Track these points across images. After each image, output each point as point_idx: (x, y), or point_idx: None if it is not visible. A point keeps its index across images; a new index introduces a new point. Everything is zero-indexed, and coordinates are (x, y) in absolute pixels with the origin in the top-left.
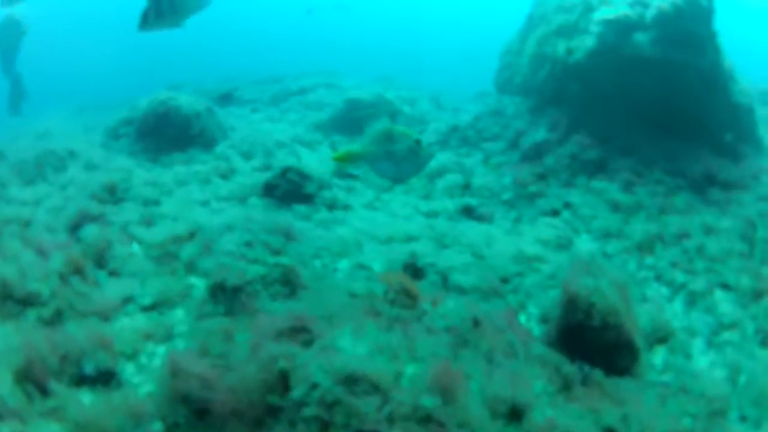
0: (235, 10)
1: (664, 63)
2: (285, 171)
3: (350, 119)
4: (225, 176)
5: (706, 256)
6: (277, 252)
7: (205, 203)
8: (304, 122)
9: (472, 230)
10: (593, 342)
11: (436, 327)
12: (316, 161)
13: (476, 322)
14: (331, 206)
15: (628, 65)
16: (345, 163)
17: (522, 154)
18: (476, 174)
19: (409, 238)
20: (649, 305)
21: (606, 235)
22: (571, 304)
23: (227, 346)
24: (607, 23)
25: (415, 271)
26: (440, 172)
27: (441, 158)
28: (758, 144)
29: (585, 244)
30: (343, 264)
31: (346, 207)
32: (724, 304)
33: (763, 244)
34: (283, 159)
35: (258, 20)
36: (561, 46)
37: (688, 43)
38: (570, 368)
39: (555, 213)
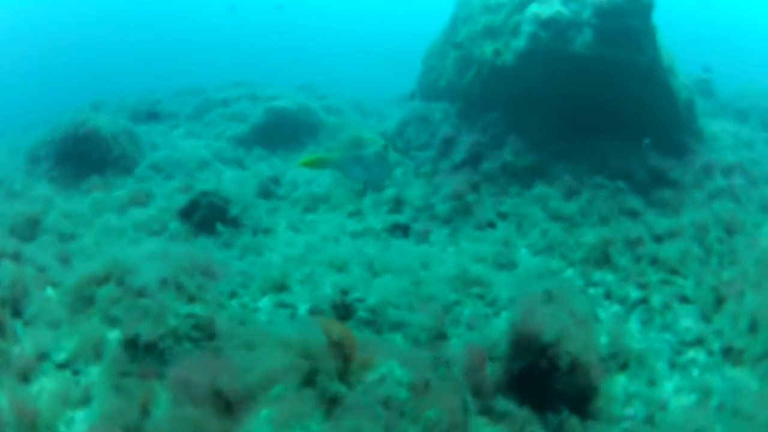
0: (158, 17)
1: (600, 61)
2: (204, 195)
3: (273, 131)
4: (144, 201)
5: (660, 265)
6: (192, 298)
7: (123, 233)
8: (227, 136)
9: (405, 251)
10: (557, 387)
11: (375, 396)
12: (239, 179)
13: (425, 384)
14: (254, 230)
15: (562, 65)
16: (312, 168)
17: (453, 163)
18: (408, 186)
19: (337, 266)
20: (605, 326)
21: (548, 248)
22: (529, 347)
23: (144, 416)
24: (540, 22)
25: (345, 309)
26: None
27: None
28: (700, 137)
29: (527, 261)
30: (265, 302)
31: (270, 230)
32: (685, 318)
33: (718, 246)
34: (205, 179)
35: (180, 27)
36: (488, 48)
37: (626, 39)
38: (536, 428)
39: (492, 225)
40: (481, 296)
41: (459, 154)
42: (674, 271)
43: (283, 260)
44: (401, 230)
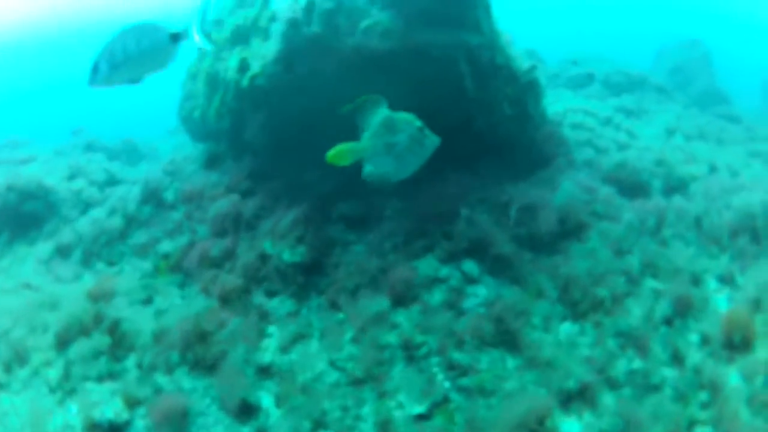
0: None
1: (411, 54)
2: None
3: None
4: None
5: None
6: None
7: None
8: None
9: None
10: None
11: None
12: None
13: None
14: None
15: (348, 71)
16: (340, 163)
17: (198, 254)
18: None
19: None
20: None
21: None
22: None
23: None
24: (301, 7)
25: None
26: (82, 329)
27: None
28: (555, 130)
29: None
30: None
31: None
32: None
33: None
34: None
35: None
36: (234, 60)
37: (449, 16)
38: None
39: (246, 412)
40: None
41: (201, 237)
42: None
43: None
44: None
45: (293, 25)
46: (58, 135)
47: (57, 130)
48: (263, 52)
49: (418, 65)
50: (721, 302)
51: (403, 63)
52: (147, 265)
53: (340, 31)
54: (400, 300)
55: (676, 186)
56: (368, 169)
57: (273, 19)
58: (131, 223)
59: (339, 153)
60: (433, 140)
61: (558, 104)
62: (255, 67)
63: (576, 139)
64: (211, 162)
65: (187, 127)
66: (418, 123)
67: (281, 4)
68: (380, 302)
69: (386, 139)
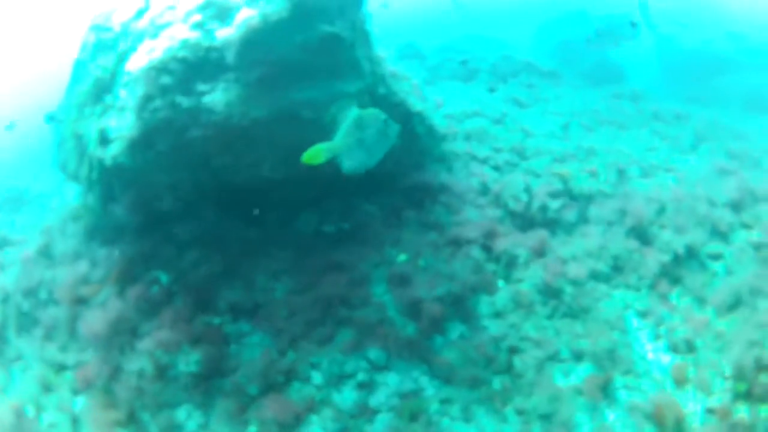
0: None
1: (279, 121)
2: None
3: None
4: None
5: None
6: None
7: None
8: None
9: None
10: None
11: None
12: None
13: None
14: None
15: (213, 146)
16: (315, 162)
17: (83, 377)
18: None
19: None
20: None
21: None
22: None
23: None
24: (152, 75)
25: None
26: None
27: None
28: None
29: None
30: None
31: None
32: None
33: None
34: None
35: None
36: (94, 130)
37: (322, 66)
38: None
39: None
40: None
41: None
42: None
43: None
44: None
45: (147, 100)
46: None
47: None
48: (122, 128)
49: (290, 130)
50: (648, 348)
51: (271, 130)
52: (39, 371)
53: (196, 106)
54: (309, 407)
55: (582, 210)
56: (347, 164)
57: (128, 80)
58: (17, 317)
59: (314, 152)
60: (394, 128)
61: (448, 103)
62: (115, 146)
63: (470, 149)
64: (86, 242)
65: (66, 175)
66: (383, 116)
67: (131, 63)
68: (287, 411)
69: (357, 136)
